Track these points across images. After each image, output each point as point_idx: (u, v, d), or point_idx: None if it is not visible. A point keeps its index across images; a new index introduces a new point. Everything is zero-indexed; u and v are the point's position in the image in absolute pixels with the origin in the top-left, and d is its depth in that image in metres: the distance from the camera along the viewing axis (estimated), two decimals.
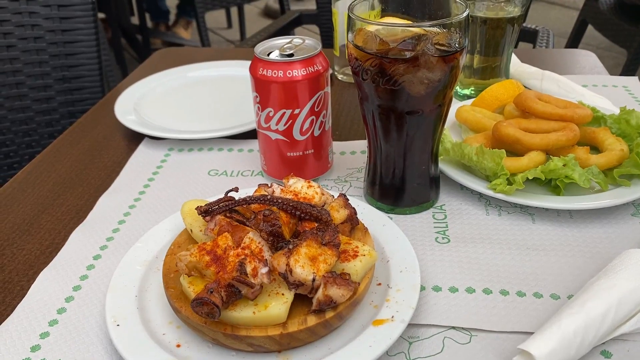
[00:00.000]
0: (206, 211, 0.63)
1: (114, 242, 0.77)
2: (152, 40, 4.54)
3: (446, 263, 0.70)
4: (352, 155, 0.95)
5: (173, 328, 0.61)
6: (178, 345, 0.59)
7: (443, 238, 0.75)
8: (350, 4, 0.73)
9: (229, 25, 5.15)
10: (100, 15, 4.06)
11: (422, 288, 0.66)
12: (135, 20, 4.39)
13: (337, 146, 0.97)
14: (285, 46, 0.82)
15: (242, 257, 0.57)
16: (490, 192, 0.77)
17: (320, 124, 0.83)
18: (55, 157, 0.99)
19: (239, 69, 1.24)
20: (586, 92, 1.03)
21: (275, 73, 0.78)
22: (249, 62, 1.24)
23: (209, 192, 0.87)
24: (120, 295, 0.64)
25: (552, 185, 0.79)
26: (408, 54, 0.67)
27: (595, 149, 0.85)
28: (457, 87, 1.12)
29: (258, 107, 0.82)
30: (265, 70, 0.78)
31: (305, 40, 0.83)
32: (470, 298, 0.65)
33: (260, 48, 0.82)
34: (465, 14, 0.69)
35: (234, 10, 4.82)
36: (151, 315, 0.62)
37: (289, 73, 0.78)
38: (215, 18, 5.13)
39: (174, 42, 4.61)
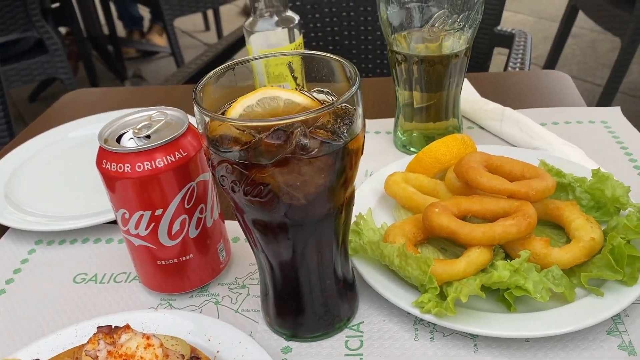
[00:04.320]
0: None
1: None
2: (124, 50, 4.35)
3: None
4: None
5: None
6: None
7: None
8: (209, 76, 0.53)
9: (207, 27, 4.95)
10: (65, 29, 3.86)
11: None
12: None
13: None
14: (141, 125, 0.62)
15: None
16: (416, 312, 0.58)
17: (197, 221, 0.64)
18: None
19: None
20: (554, 139, 0.83)
21: (121, 167, 0.58)
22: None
23: (67, 315, 0.67)
24: None
25: (500, 294, 0.59)
26: (267, 159, 0.47)
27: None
28: (398, 132, 0.92)
29: (112, 205, 0.63)
30: (109, 163, 0.59)
31: (168, 115, 0.63)
32: None
33: (107, 130, 0.62)
34: (354, 90, 0.49)
35: (210, 12, 4.60)
36: None
37: (140, 167, 0.58)
38: (192, 21, 4.93)
39: (148, 50, 4.42)
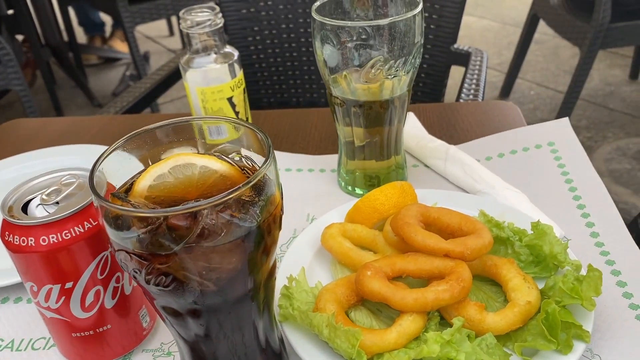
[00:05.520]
0: None
1: None
2: (85, 57, 4.24)
3: None
4: None
5: None
6: None
7: None
8: (110, 150, 0.49)
9: (171, 33, 4.87)
10: (21, 37, 3.74)
11: None
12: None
13: None
14: (50, 191, 0.57)
15: None
16: None
17: (113, 291, 0.59)
18: None
19: (70, 159, 0.97)
20: (497, 182, 0.81)
21: (25, 240, 0.54)
22: (87, 148, 1.00)
23: None
24: None
25: None
26: (172, 243, 0.43)
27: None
28: (342, 171, 0.89)
29: (20, 277, 0.58)
30: (12, 236, 0.54)
31: (79, 178, 0.59)
32: None
33: (13, 197, 0.58)
34: (266, 166, 0.46)
35: (174, 17, 4.51)
36: None
37: (45, 240, 0.54)
38: (156, 26, 4.84)
39: (110, 56, 4.31)
